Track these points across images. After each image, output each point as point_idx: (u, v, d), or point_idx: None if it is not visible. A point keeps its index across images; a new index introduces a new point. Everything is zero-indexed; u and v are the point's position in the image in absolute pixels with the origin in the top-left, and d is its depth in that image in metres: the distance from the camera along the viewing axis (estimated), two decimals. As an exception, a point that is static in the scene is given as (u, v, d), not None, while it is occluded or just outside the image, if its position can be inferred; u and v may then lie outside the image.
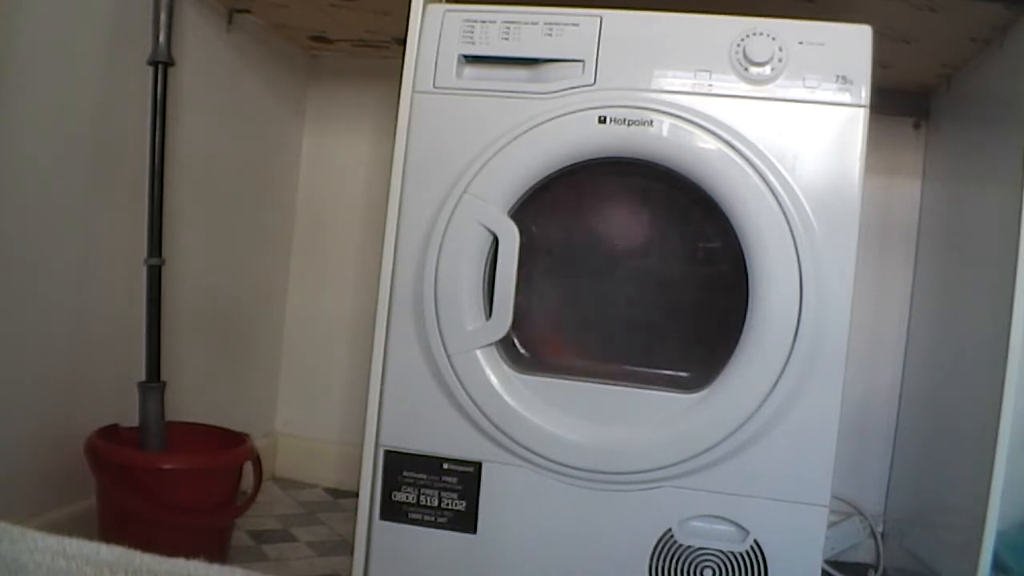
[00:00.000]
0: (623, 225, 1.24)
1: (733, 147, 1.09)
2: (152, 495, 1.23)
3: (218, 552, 1.35)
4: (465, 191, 1.14)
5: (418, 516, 1.18)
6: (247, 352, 1.81)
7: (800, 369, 1.07)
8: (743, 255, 1.09)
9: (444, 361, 1.15)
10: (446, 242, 1.15)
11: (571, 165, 1.14)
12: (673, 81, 1.12)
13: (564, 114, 1.13)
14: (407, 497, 1.18)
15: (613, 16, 1.14)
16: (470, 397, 1.14)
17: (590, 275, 1.24)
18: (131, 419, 1.35)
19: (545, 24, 1.15)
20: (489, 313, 1.14)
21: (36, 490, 1.26)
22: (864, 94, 1.08)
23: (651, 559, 1.13)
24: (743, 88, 1.10)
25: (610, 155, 1.13)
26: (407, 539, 1.18)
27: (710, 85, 1.11)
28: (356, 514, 1.19)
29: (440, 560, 1.17)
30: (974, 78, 1.43)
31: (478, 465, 1.16)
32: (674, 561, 1.12)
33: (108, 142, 1.34)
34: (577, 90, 1.13)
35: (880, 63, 1.15)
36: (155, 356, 1.35)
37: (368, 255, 1.86)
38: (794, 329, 1.07)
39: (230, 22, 1.62)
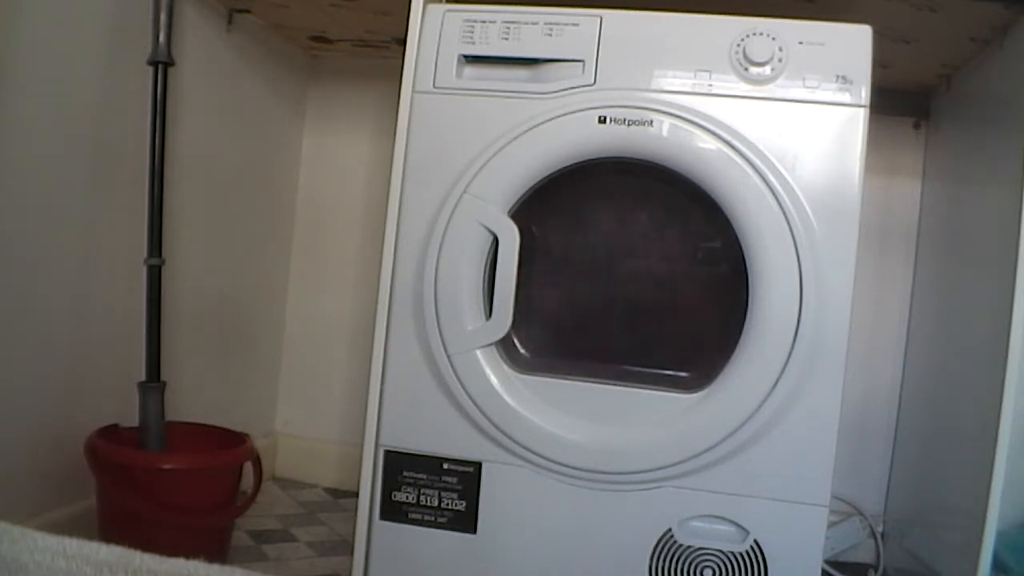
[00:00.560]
0: (623, 225, 1.24)
1: (733, 147, 1.09)
2: (152, 495, 1.23)
3: (218, 552, 1.35)
4: (465, 191, 1.14)
5: (418, 516, 1.18)
6: (247, 352, 1.81)
7: (800, 369, 1.07)
8: (743, 255, 1.09)
9: (444, 361, 1.15)
10: (446, 242, 1.15)
11: (571, 165, 1.14)
12: (673, 81, 1.12)
13: (564, 114, 1.13)
14: (407, 497, 1.18)
15: (613, 16, 1.14)
16: (470, 397, 1.14)
17: (590, 275, 1.24)
18: (131, 419, 1.35)
19: (545, 24, 1.15)
20: (489, 313, 1.14)
21: (36, 490, 1.26)
22: (864, 94, 1.08)
23: (651, 559, 1.13)
24: (743, 88, 1.10)
25: (610, 155, 1.13)
26: (407, 539, 1.18)
27: (710, 85, 1.11)
28: (356, 514, 1.19)
29: (440, 560, 1.17)
30: (974, 78, 1.43)
31: (478, 465, 1.16)
32: (674, 561, 1.12)
33: (108, 142, 1.34)
34: (577, 90, 1.13)
35: (880, 63, 1.15)
36: (155, 356, 1.35)
37: (368, 255, 1.86)
38: (794, 329, 1.07)
39: (230, 22, 1.62)
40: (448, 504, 1.17)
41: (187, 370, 1.55)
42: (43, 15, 1.19)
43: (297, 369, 1.92)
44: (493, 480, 1.16)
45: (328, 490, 1.85)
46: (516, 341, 1.19)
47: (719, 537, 1.11)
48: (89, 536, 0.72)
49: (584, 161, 1.13)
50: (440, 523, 1.17)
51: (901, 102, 1.66)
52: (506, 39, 1.16)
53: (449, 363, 1.15)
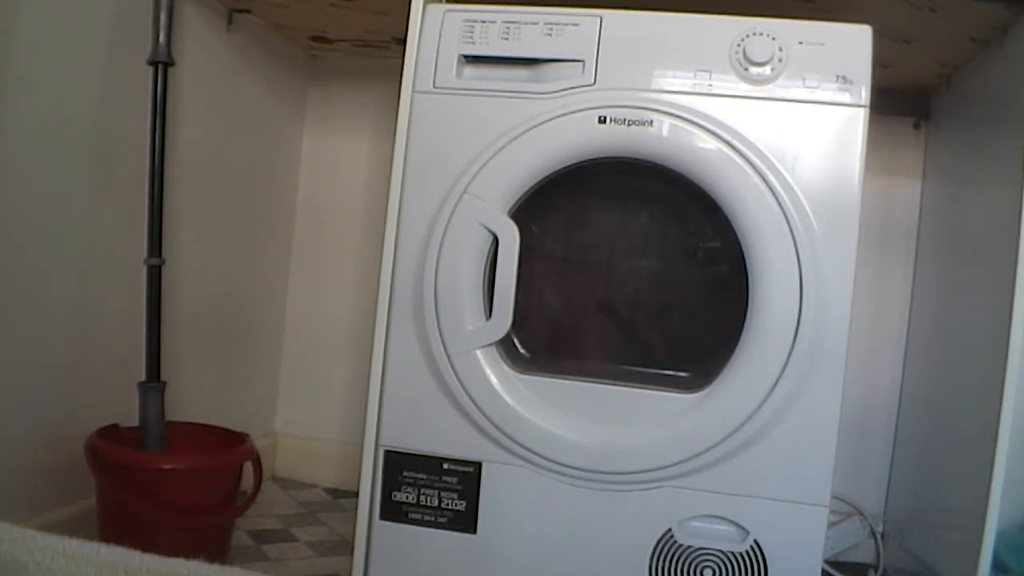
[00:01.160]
0: (623, 225, 1.25)
1: (733, 147, 1.09)
2: (152, 495, 1.23)
3: (218, 552, 1.35)
4: (465, 191, 1.14)
5: (418, 516, 1.18)
6: (247, 352, 1.81)
7: (800, 369, 1.07)
8: (743, 255, 1.09)
9: (444, 361, 1.15)
10: (446, 242, 1.15)
11: (571, 165, 1.14)
12: (673, 81, 1.12)
13: (564, 114, 1.13)
14: (407, 497, 1.18)
15: (613, 16, 1.14)
16: (470, 397, 1.14)
17: (590, 275, 1.24)
18: (131, 419, 1.35)
19: (545, 24, 1.15)
20: (489, 313, 1.14)
21: (36, 490, 1.26)
22: (864, 94, 1.08)
23: (651, 559, 1.13)
24: (743, 88, 1.10)
25: (610, 155, 1.13)
26: (407, 539, 1.18)
27: (710, 85, 1.11)
28: (356, 514, 1.19)
29: (440, 560, 1.17)
30: (974, 78, 1.43)
31: (478, 465, 1.16)
32: (674, 561, 1.12)
33: (108, 142, 1.34)
34: (577, 90, 1.13)
35: (880, 63, 1.15)
36: (155, 356, 1.35)
37: (368, 255, 1.86)
38: (794, 329, 1.07)
39: (230, 22, 1.62)
40: (448, 504, 1.17)
41: (187, 370, 1.55)
42: (43, 15, 1.19)
43: (297, 369, 1.92)
44: (493, 480, 1.16)
45: (328, 490, 1.85)
46: (516, 341, 1.19)
47: (719, 537, 1.11)
48: (89, 536, 0.72)
49: (584, 161, 1.13)
50: (440, 523, 1.17)
51: (901, 102, 1.65)
52: (506, 39, 1.16)
53: (449, 363, 1.15)
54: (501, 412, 1.14)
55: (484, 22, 1.17)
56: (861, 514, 1.65)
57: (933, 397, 1.49)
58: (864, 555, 1.65)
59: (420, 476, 1.18)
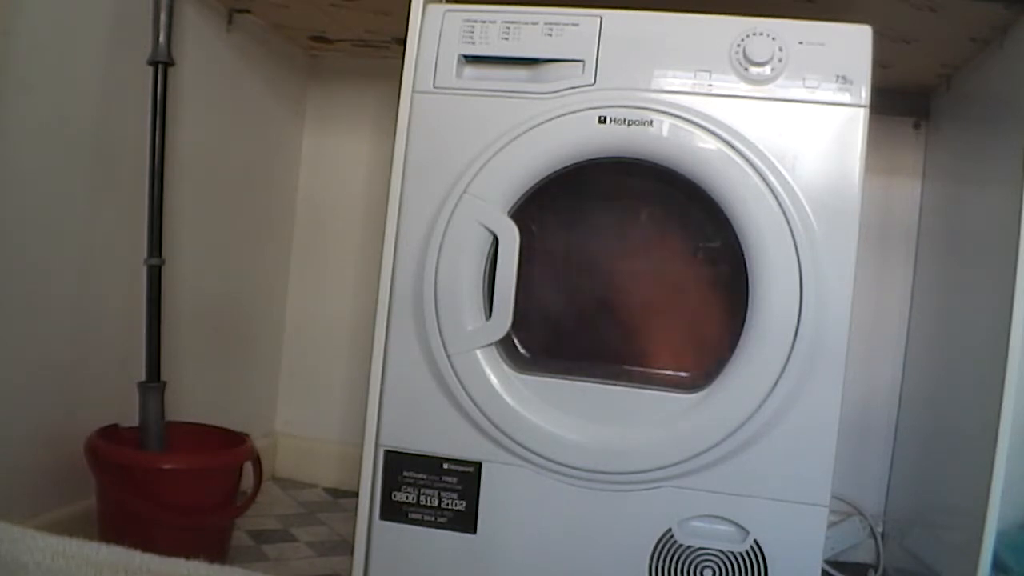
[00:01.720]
0: (623, 225, 1.25)
1: (733, 147, 1.09)
2: (152, 495, 1.23)
3: (218, 552, 1.35)
4: (465, 191, 1.14)
5: (418, 516, 1.18)
6: (247, 352, 1.81)
7: (800, 369, 1.07)
8: (743, 255, 1.09)
9: (444, 361, 1.15)
10: (446, 242, 1.15)
11: (571, 165, 1.14)
12: (673, 81, 1.12)
13: (564, 114, 1.13)
14: (407, 497, 1.18)
15: (613, 16, 1.14)
16: (470, 397, 1.14)
17: (590, 275, 1.24)
18: (131, 419, 1.35)
19: (545, 24, 1.15)
20: (489, 313, 1.14)
21: (36, 490, 1.26)
22: (864, 94, 1.08)
23: (651, 559, 1.13)
24: (743, 88, 1.10)
25: (610, 155, 1.12)
26: (407, 539, 1.18)
27: (710, 85, 1.11)
28: (356, 514, 1.19)
29: (440, 560, 1.17)
30: (974, 78, 1.43)
31: (478, 465, 1.16)
32: (674, 561, 1.12)
33: (108, 142, 1.34)
34: (577, 90, 1.13)
35: (880, 63, 1.15)
36: (155, 356, 1.35)
37: (368, 255, 1.86)
38: (794, 329, 1.07)
39: (230, 22, 1.62)
40: (448, 504, 1.17)
41: (187, 370, 1.55)
42: (43, 15, 1.19)
43: (297, 369, 1.92)
44: (493, 480, 1.16)
45: (328, 490, 1.85)
46: (516, 341, 1.19)
47: (719, 537, 1.11)
48: (89, 536, 0.72)
49: (584, 161, 1.13)
50: (440, 523, 1.17)
51: (901, 102, 1.65)
52: (506, 39, 1.16)
53: (449, 363, 1.15)
54: (501, 412, 1.14)
55: (484, 22, 1.17)
56: (861, 514, 1.65)
57: (933, 397, 1.49)
58: (864, 555, 1.65)
59: (420, 476, 1.18)
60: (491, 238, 1.14)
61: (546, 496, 1.14)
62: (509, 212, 1.14)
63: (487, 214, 1.14)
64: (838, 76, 1.08)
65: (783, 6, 1.22)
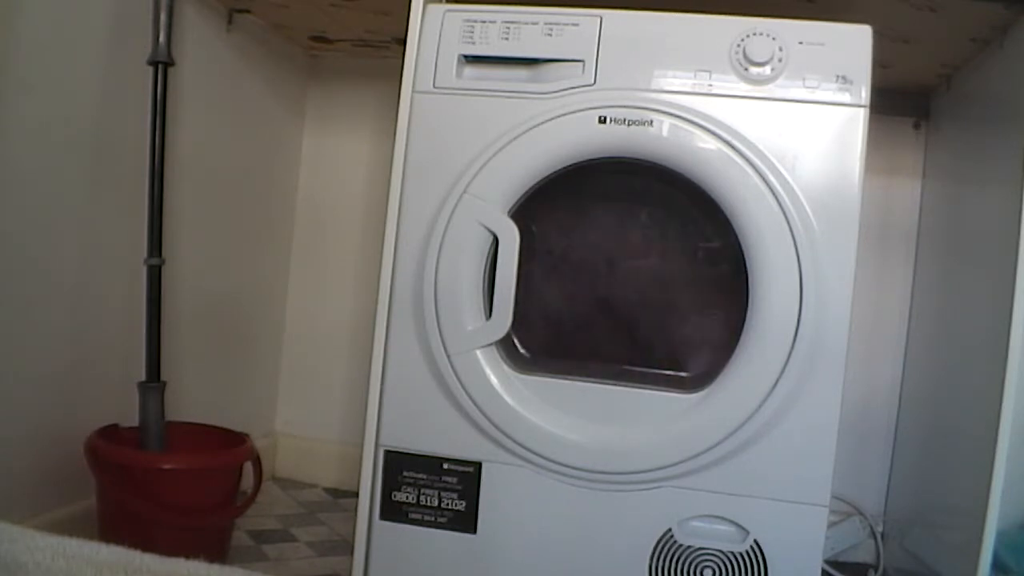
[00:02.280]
0: (623, 225, 1.24)
1: (733, 147, 1.09)
2: (152, 495, 1.23)
3: (218, 552, 1.35)
4: (465, 191, 1.14)
5: (418, 516, 1.18)
6: (247, 352, 1.81)
7: (800, 369, 1.07)
8: (743, 255, 1.09)
9: (444, 361, 1.15)
10: (446, 242, 1.15)
11: (571, 165, 1.14)
12: (673, 81, 1.12)
13: (564, 114, 1.13)
14: (407, 497, 1.18)
15: (613, 16, 1.14)
16: (470, 397, 1.14)
17: (590, 275, 1.24)
18: (131, 419, 1.35)
19: (545, 24, 1.15)
20: (489, 313, 1.14)
21: (36, 490, 1.26)
22: (864, 94, 1.08)
23: (651, 559, 1.13)
24: (743, 88, 1.10)
25: (610, 155, 1.12)
26: (407, 539, 1.18)
27: (710, 85, 1.11)
28: (356, 514, 1.19)
29: (440, 560, 1.17)
30: (974, 78, 1.43)
31: (478, 465, 1.16)
32: (674, 561, 1.12)
33: (108, 142, 1.34)
34: (577, 90, 1.13)
35: (880, 63, 1.15)
36: (155, 356, 1.35)
37: (368, 255, 1.86)
38: (794, 329, 1.07)
39: (230, 22, 1.62)
40: (448, 504, 1.17)
41: (187, 370, 1.55)
42: (43, 15, 1.19)
43: (297, 369, 1.92)
44: (493, 480, 1.16)
45: (328, 490, 1.85)
46: (516, 341, 1.19)
47: (719, 537, 1.11)
48: (89, 536, 0.72)
49: (584, 161, 1.13)
50: (440, 523, 1.17)
51: (901, 102, 1.65)
52: (506, 39, 1.16)
53: (449, 363, 1.15)
54: (501, 412, 1.14)
55: (484, 22, 1.17)
56: (861, 514, 1.65)
57: (933, 397, 1.49)
58: (864, 555, 1.65)
59: (420, 476, 1.18)
60: (491, 238, 1.14)
61: (546, 496, 1.14)
62: (509, 212, 1.14)
63: (487, 214, 1.14)
64: (838, 76, 1.08)
65: (783, 6, 1.22)
